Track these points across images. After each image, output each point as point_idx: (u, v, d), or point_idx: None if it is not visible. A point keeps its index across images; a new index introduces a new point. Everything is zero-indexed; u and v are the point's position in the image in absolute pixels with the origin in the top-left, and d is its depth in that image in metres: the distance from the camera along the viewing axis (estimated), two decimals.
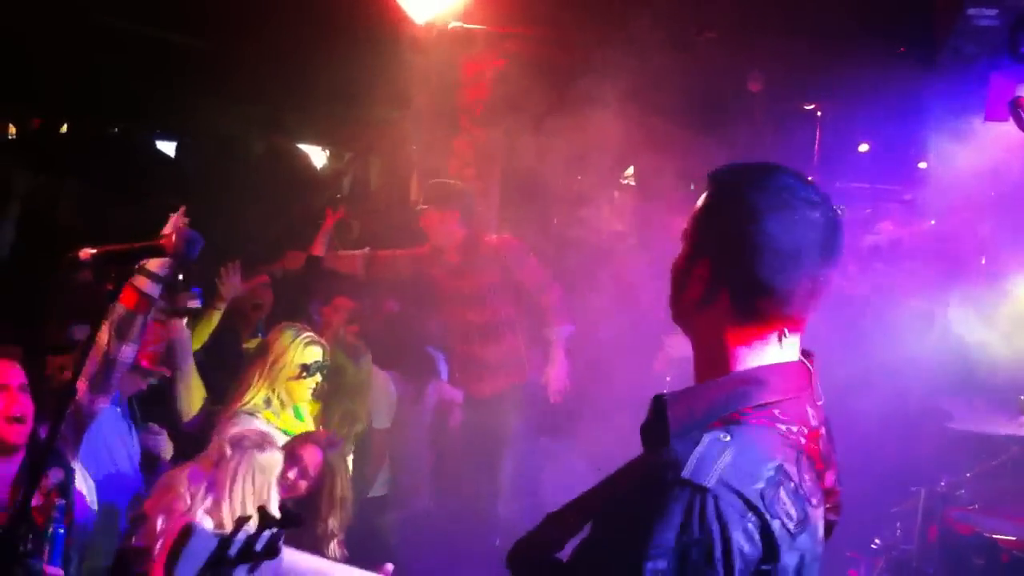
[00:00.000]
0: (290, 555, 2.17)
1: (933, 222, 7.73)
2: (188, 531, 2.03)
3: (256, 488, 3.42)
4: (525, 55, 6.26)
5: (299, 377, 4.50)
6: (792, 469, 1.63)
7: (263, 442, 3.56)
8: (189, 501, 3.35)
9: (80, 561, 3.33)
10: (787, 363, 1.75)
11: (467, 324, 5.89)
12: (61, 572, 2.95)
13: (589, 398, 5.74)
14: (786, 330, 1.76)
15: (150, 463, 4.28)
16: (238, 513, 3.28)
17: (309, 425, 4.66)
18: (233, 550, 2.00)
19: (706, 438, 1.60)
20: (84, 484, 3.53)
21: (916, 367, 5.45)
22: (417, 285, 5.93)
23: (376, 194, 10.03)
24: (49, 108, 11.07)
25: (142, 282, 3.17)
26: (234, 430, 3.87)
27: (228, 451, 3.45)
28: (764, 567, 1.56)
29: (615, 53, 6.04)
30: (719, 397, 1.70)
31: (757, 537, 1.55)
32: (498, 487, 5.93)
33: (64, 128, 11.24)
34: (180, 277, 4.83)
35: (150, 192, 8.20)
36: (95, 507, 3.58)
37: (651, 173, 7.85)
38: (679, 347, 5.19)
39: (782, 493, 1.59)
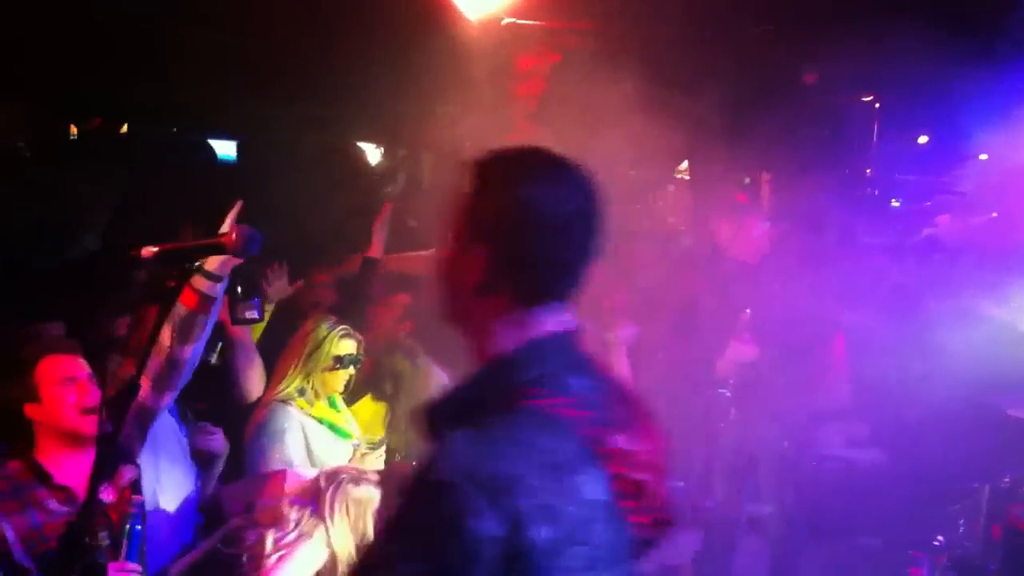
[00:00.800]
0: None
1: (995, 214, 7.59)
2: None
3: (352, 520, 3.46)
4: (579, 50, 6.25)
5: (333, 369, 4.57)
6: (543, 444, 1.66)
7: (359, 477, 3.60)
8: (293, 523, 3.41)
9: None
10: (553, 340, 1.79)
11: None
12: (139, 568, 2.99)
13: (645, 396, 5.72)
14: (559, 304, 1.81)
15: (207, 462, 4.33)
16: (337, 544, 3.34)
17: (346, 415, 4.71)
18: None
19: (451, 436, 1.65)
20: (147, 482, 3.59)
21: (976, 362, 5.37)
22: None
23: (429, 190, 10.06)
24: (109, 109, 11.27)
25: (201, 283, 3.21)
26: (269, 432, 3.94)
27: (323, 483, 3.50)
28: (514, 547, 1.59)
29: (669, 46, 6.01)
30: (478, 387, 1.77)
31: (499, 520, 1.57)
32: None
33: (124, 129, 11.43)
34: (239, 289, 4.91)
35: (207, 192, 8.31)
36: (158, 504, 3.64)
37: (705, 168, 7.79)
38: (744, 351, 5.14)
39: (526, 471, 1.62)
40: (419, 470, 1.66)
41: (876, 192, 9.92)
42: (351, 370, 4.62)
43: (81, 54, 8.54)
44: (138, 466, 3.38)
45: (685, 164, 9.11)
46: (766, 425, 5.20)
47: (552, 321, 1.80)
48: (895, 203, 9.99)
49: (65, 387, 3.28)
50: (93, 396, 3.28)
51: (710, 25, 6.05)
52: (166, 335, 3.24)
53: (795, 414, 5.20)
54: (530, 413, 1.70)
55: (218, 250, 2.26)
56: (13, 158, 10.65)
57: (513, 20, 6.23)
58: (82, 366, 3.35)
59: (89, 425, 3.25)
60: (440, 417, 1.77)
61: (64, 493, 3.25)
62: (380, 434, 5.07)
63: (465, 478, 1.58)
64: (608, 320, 5.64)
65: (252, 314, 4.83)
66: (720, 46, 6.20)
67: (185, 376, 3.48)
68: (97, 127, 11.91)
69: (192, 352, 3.41)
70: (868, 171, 9.73)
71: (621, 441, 1.80)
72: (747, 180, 7.62)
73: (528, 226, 1.76)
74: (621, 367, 5.42)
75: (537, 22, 6.24)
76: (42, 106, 11.42)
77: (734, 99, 6.60)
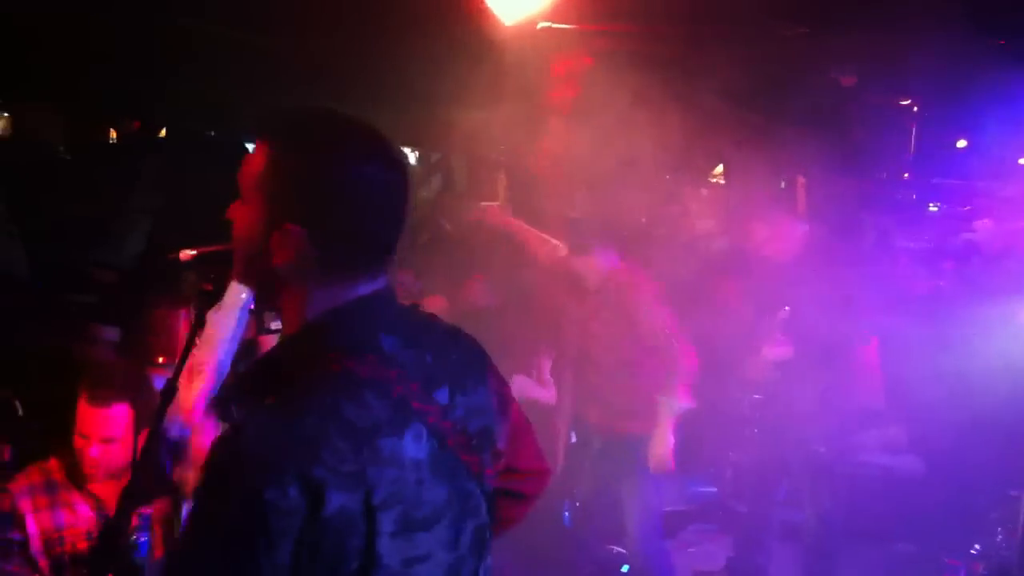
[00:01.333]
0: None
1: None
2: None
3: None
4: (614, 53, 6.24)
5: None
6: (350, 408, 1.58)
7: None
8: None
9: None
10: (361, 301, 1.71)
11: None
12: None
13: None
14: (370, 273, 1.72)
15: None
16: None
17: None
18: None
19: (254, 407, 1.60)
20: None
21: (1014, 367, 5.31)
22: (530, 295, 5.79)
23: (464, 194, 10.09)
24: (147, 112, 11.39)
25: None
26: None
27: None
28: (315, 516, 1.52)
29: (705, 49, 5.99)
30: (283, 358, 1.69)
31: (296, 491, 1.50)
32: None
33: (162, 132, 11.55)
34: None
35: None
36: None
37: (740, 170, 7.77)
38: (777, 353, 5.11)
39: (329, 436, 1.54)
40: (213, 448, 1.59)
41: (914, 196, 9.85)
42: None
43: (119, 56, 8.65)
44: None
45: (720, 168, 9.09)
46: (799, 429, 5.16)
47: (363, 287, 1.73)
48: (933, 207, 9.91)
49: None
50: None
51: (746, 28, 6.03)
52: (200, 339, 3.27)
53: (829, 418, 5.16)
54: (336, 378, 1.62)
55: None
56: (53, 161, 10.81)
57: (548, 24, 6.23)
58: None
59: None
60: (237, 393, 1.72)
61: (94, 500, 3.29)
62: None
63: (259, 450, 1.54)
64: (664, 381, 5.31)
65: (277, 324, 4.88)
66: (756, 49, 6.17)
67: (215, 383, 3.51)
68: (136, 130, 12.06)
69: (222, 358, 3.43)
70: (906, 175, 9.66)
71: (445, 395, 1.73)
72: (782, 183, 7.57)
73: (336, 196, 1.68)
74: (667, 443, 5.11)
75: (572, 25, 6.24)
76: (81, 109, 11.59)
77: (770, 102, 6.57)
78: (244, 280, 1.79)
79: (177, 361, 2.20)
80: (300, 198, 1.67)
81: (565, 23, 6.15)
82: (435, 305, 5.63)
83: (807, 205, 8.25)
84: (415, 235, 7.85)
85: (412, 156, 11.91)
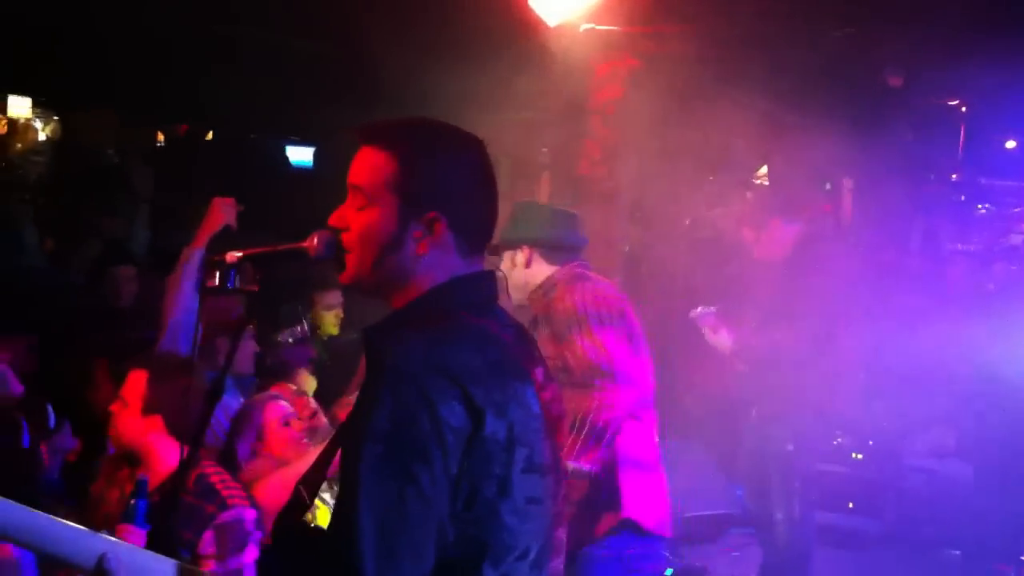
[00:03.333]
0: None
1: None
2: None
3: None
4: (658, 54, 6.23)
5: None
6: (489, 350, 1.76)
7: None
8: None
9: None
10: (472, 273, 1.89)
11: None
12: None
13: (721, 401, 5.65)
14: (477, 251, 1.90)
15: None
16: None
17: None
18: None
19: (406, 334, 1.73)
20: None
21: None
22: None
23: (508, 195, 10.11)
24: (194, 117, 11.54)
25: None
26: None
27: None
28: (475, 436, 1.66)
29: (750, 50, 5.96)
30: (415, 314, 1.83)
31: (462, 410, 1.65)
32: None
33: (209, 136, 11.70)
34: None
35: (287, 198, 8.47)
36: None
37: (785, 172, 7.72)
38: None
39: (482, 368, 1.71)
40: (372, 367, 1.73)
41: (962, 198, 9.73)
42: None
43: (168, 62, 8.77)
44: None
45: (764, 169, 9.04)
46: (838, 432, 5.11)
47: (475, 265, 1.91)
48: (982, 208, 9.78)
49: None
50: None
51: (792, 28, 5.99)
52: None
53: (870, 422, 5.11)
54: (469, 326, 1.79)
55: (300, 255, 2.30)
56: (104, 164, 10.97)
57: (592, 26, 6.23)
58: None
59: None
60: (382, 332, 1.82)
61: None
62: None
63: (430, 365, 1.66)
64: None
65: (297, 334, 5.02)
66: (803, 49, 6.13)
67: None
68: (183, 134, 12.22)
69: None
70: (954, 176, 9.54)
71: (538, 375, 1.89)
72: (828, 185, 7.52)
73: (464, 188, 1.88)
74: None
75: (615, 27, 6.23)
76: (131, 113, 11.77)
77: (816, 103, 6.52)
78: (370, 274, 1.89)
79: (225, 355, 2.26)
80: (437, 190, 1.85)
81: (609, 25, 6.14)
82: None
83: (854, 208, 8.19)
84: None
85: None
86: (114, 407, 3.30)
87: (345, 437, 1.78)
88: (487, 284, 1.93)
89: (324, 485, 1.99)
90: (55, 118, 12.78)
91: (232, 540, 3.13)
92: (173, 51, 8.56)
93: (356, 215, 1.89)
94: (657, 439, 3.96)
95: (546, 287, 3.95)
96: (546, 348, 3.46)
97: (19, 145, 12.48)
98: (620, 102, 6.25)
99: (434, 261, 1.85)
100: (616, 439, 3.69)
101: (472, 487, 1.67)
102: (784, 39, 5.76)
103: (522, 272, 4.01)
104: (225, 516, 3.12)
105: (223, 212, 3.77)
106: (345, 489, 1.66)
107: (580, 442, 3.59)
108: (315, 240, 2.28)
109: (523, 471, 1.73)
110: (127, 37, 8.19)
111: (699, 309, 5.04)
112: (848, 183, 8.08)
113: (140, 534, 2.91)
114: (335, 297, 5.73)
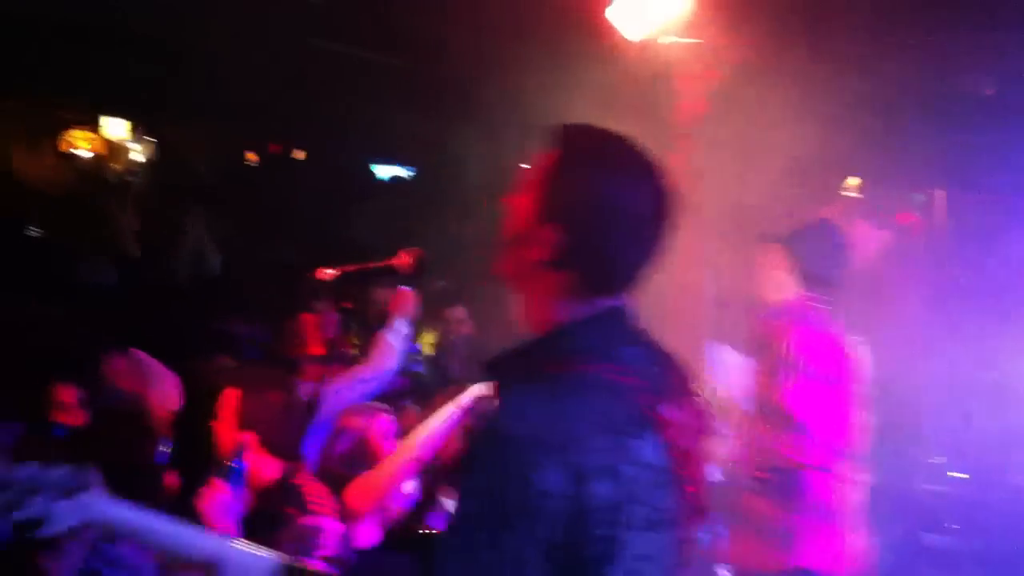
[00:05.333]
0: (102, 501, 2.06)
1: None
2: None
3: None
4: (741, 66, 6.19)
5: None
6: (601, 406, 1.67)
7: None
8: None
9: None
10: (605, 311, 1.79)
11: None
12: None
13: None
14: (611, 289, 1.81)
15: None
16: None
17: None
18: (19, 477, 1.98)
19: (513, 390, 1.69)
20: None
21: None
22: None
23: None
24: (285, 135, 11.77)
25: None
26: None
27: None
28: (576, 503, 1.60)
29: (837, 58, 5.88)
30: (538, 352, 1.78)
31: (560, 476, 1.59)
32: None
33: (301, 155, 11.91)
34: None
35: (379, 213, 8.59)
36: None
37: (876, 183, 7.59)
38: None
39: (588, 429, 1.64)
40: (483, 421, 1.70)
41: None
42: None
43: (258, 82, 8.97)
44: None
45: (854, 180, 8.89)
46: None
47: (607, 301, 1.82)
48: None
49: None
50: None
51: (880, 36, 5.89)
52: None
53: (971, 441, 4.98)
54: (586, 377, 1.72)
55: (392, 272, 2.35)
56: (196, 183, 11.25)
57: (674, 39, 6.21)
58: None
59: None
60: (499, 372, 1.80)
61: None
62: None
63: (529, 431, 1.61)
64: None
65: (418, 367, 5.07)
66: (891, 59, 6.03)
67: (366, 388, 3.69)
68: (273, 153, 12.47)
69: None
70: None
71: (671, 411, 1.80)
72: (920, 196, 7.37)
73: (606, 219, 1.77)
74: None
75: (699, 40, 6.20)
76: (221, 133, 12.05)
77: (905, 112, 6.41)
78: (501, 264, 1.88)
79: (322, 370, 2.31)
80: (570, 206, 1.78)
81: (691, 38, 6.11)
82: None
83: (948, 220, 8.01)
84: None
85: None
86: (214, 423, 3.39)
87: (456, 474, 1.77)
88: (614, 324, 1.82)
89: None
90: (151, 139, 13.15)
91: (299, 542, 3.19)
92: (266, 71, 8.75)
93: (513, 198, 1.87)
94: (850, 491, 3.93)
95: (777, 312, 4.04)
96: (759, 376, 3.93)
97: (116, 166, 12.86)
98: (704, 115, 6.22)
99: (554, 284, 1.79)
100: (800, 486, 3.78)
101: (572, 551, 1.62)
102: (871, 49, 5.67)
103: (771, 276, 4.11)
104: (304, 520, 3.18)
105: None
106: (443, 539, 1.65)
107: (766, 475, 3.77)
108: (405, 257, 2.33)
109: (634, 529, 1.67)
110: (221, 59, 8.40)
111: None
112: (941, 195, 7.91)
113: (228, 491, 2.98)
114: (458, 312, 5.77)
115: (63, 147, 12.36)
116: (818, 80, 5.84)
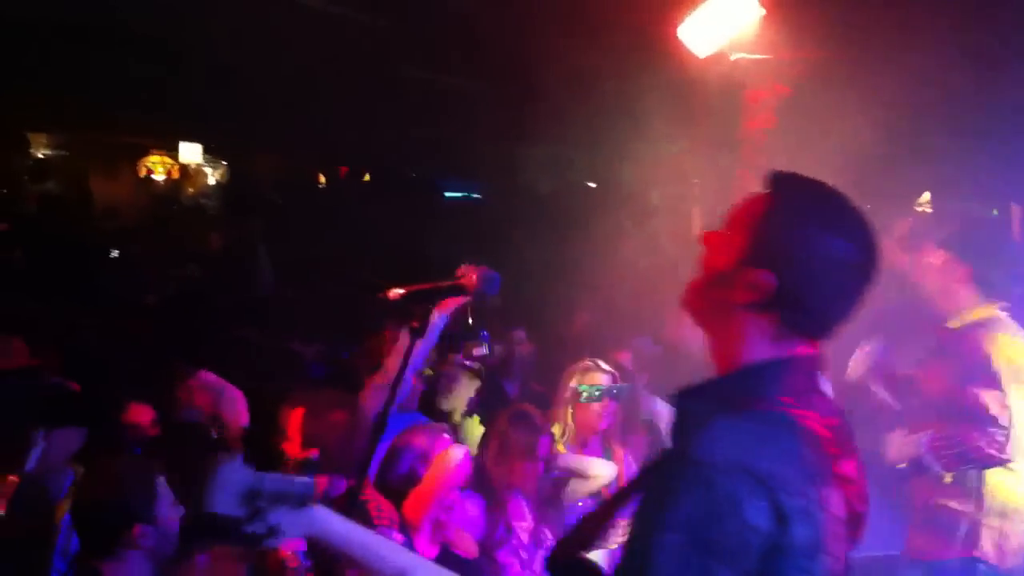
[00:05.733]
0: (325, 514, 2.19)
1: None
2: (217, 459, 2.10)
3: None
4: (810, 81, 6.13)
5: (576, 399, 4.54)
6: (802, 450, 1.66)
7: None
8: None
9: None
10: (802, 356, 1.79)
11: None
12: None
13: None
14: (811, 337, 1.81)
15: None
16: None
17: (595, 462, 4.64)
18: (268, 486, 2.07)
19: (717, 422, 1.65)
20: None
21: None
22: None
23: (658, 229, 10.08)
24: (353, 157, 11.93)
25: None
26: None
27: None
28: (776, 541, 1.59)
29: (906, 71, 5.80)
30: (731, 390, 1.76)
31: (768, 512, 1.58)
32: None
33: (367, 176, 12.06)
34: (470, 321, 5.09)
35: (448, 233, 8.65)
36: None
37: (949, 198, 7.46)
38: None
39: (791, 471, 1.62)
40: (679, 448, 1.68)
41: None
42: (604, 402, 4.55)
43: (328, 106, 9.11)
44: None
45: (926, 196, 8.75)
46: None
47: (803, 347, 1.81)
48: None
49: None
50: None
51: (951, 47, 5.79)
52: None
53: None
54: (785, 419, 1.70)
55: (460, 291, 2.37)
56: (270, 206, 11.45)
57: (742, 55, 6.18)
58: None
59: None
60: (695, 402, 1.78)
61: None
62: None
63: (738, 465, 1.60)
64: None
65: (481, 350, 5.04)
66: (964, 69, 5.91)
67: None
68: (343, 175, 12.64)
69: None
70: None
71: (849, 469, 1.79)
72: (995, 211, 7.21)
73: (821, 268, 1.77)
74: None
75: (766, 55, 6.16)
76: (293, 156, 12.26)
77: (979, 125, 6.28)
78: (696, 297, 1.87)
79: (389, 389, 2.33)
80: (785, 254, 1.77)
81: (758, 53, 6.08)
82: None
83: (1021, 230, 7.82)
84: None
85: (601, 192, 11.97)
86: (282, 444, 3.44)
87: (635, 515, 1.73)
88: (813, 371, 1.82)
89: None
90: (223, 163, 13.43)
91: None
92: (334, 94, 8.89)
93: (714, 237, 1.87)
94: None
95: (963, 316, 4.13)
96: (943, 381, 4.08)
97: (191, 189, 13.15)
98: (773, 130, 6.17)
99: (755, 325, 1.79)
100: (987, 482, 4.01)
101: None
102: (938, 63, 5.57)
103: (937, 278, 4.20)
104: None
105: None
106: (636, 570, 1.64)
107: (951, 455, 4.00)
108: (473, 276, 2.35)
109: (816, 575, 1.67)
110: (289, 85, 8.55)
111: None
112: (1018, 210, 7.73)
113: None
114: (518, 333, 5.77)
115: (141, 172, 12.70)
116: (885, 94, 5.75)
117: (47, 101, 8.71)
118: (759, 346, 1.79)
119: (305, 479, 2.13)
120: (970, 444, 3.98)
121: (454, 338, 5.12)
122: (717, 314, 1.83)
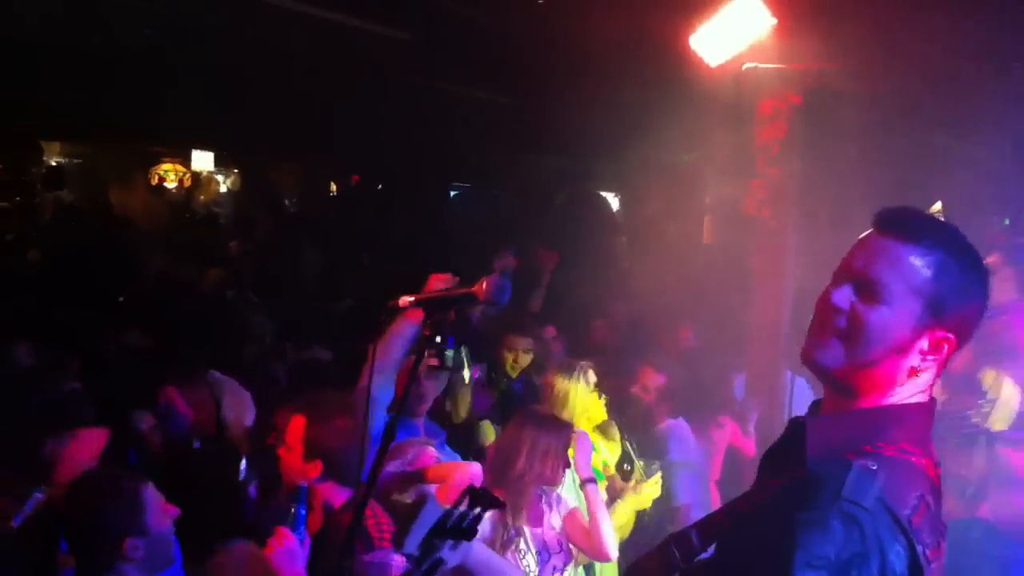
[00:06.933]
0: (479, 547, 2.27)
1: None
2: (424, 500, 2.17)
3: None
4: (822, 91, 6.12)
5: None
6: (930, 499, 1.69)
7: None
8: None
9: None
10: (925, 403, 1.80)
11: None
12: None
13: None
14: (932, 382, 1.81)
15: None
16: None
17: (601, 457, 4.70)
18: (450, 522, 2.13)
19: (856, 464, 1.65)
20: None
21: None
22: None
23: (671, 238, 10.08)
24: (365, 166, 11.95)
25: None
26: None
27: None
28: None
29: (920, 83, 5.79)
30: (856, 429, 1.75)
31: (905, 559, 1.61)
32: None
33: (379, 185, 12.08)
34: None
35: (460, 240, 8.66)
36: None
37: (961, 209, 7.42)
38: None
39: (924, 520, 1.65)
40: (803, 485, 1.67)
41: None
42: (599, 396, 4.62)
43: (341, 114, 9.13)
44: None
45: (938, 205, 8.73)
46: None
47: (924, 394, 1.82)
48: None
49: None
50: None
51: (964, 60, 5.77)
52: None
53: None
54: (914, 466, 1.72)
55: (471, 299, 2.36)
56: (284, 213, 11.47)
57: (754, 64, 6.17)
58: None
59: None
60: (819, 438, 1.77)
61: None
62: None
63: (887, 510, 1.61)
64: None
65: (434, 361, 5.05)
66: (979, 83, 5.89)
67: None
68: (355, 184, 12.66)
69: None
70: None
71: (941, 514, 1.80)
72: (1006, 221, 7.19)
73: (979, 316, 1.80)
74: None
75: (779, 65, 6.16)
76: (306, 165, 12.29)
77: (995, 136, 6.26)
78: (857, 370, 1.79)
79: (398, 396, 2.32)
80: (960, 312, 1.77)
81: (771, 63, 6.07)
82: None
83: None
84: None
85: (615, 202, 11.97)
86: (280, 451, 3.38)
87: (747, 544, 1.75)
88: (931, 417, 1.82)
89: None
90: (235, 170, 13.46)
91: None
92: (346, 104, 8.91)
93: (867, 307, 1.77)
94: None
95: (996, 312, 4.43)
96: (963, 358, 4.18)
97: (202, 197, 13.18)
98: (785, 141, 6.16)
99: (921, 384, 1.79)
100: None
101: None
102: (951, 72, 5.56)
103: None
104: (369, 556, 3.16)
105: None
106: None
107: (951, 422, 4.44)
108: (484, 284, 2.34)
109: None
110: (303, 95, 8.57)
111: None
112: None
113: (295, 539, 3.00)
114: (528, 342, 5.76)
115: (153, 179, 12.74)
116: (898, 104, 5.74)
117: (60, 110, 8.76)
118: (895, 390, 1.78)
119: (473, 513, 2.17)
120: (964, 412, 4.44)
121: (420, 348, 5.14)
122: (876, 383, 1.79)
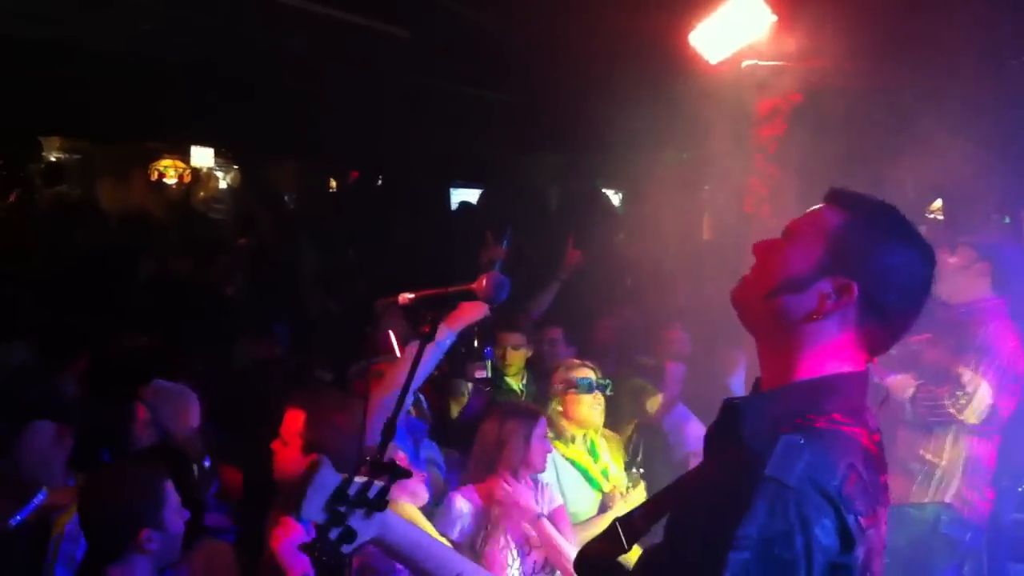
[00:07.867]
0: (394, 519, 2.24)
1: None
2: (317, 465, 2.11)
3: None
4: (823, 88, 6.12)
5: (568, 391, 4.58)
6: (861, 467, 1.68)
7: None
8: None
9: None
10: (856, 372, 1.81)
11: None
12: None
13: None
14: (871, 350, 1.83)
15: None
16: None
17: (602, 468, 4.67)
18: (352, 491, 2.10)
19: (782, 440, 1.66)
20: None
21: None
22: None
23: (668, 236, 10.08)
24: (364, 163, 11.95)
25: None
26: None
27: None
28: (840, 560, 1.62)
29: (919, 80, 5.79)
30: (789, 403, 1.77)
31: (834, 531, 1.62)
32: None
33: (379, 181, 12.07)
34: (476, 343, 5.10)
35: (455, 239, 8.65)
36: None
37: (961, 206, 7.43)
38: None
39: (855, 489, 1.65)
40: (732, 465, 1.70)
41: None
42: (597, 395, 4.59)
43: (339, 111, 9.13)
44: None
45: (937, 203, 8.73)
46: None
47: (861, 363, 1.83)
48: None
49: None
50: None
51: (963, 57, 5.78)
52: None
53: None
54: (844, 436, 1.72)
55: (470, 296, 2.35)
56: (282, 211, 11.47)
57: (753, 62, 6.17)
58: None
59: None
60: (753, 415, 1.78)
61: None
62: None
63: (806, 482, 1.62)
64: None
65: (481, 373, 5.07)
66: (976, 79, 5.89)
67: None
68: (354, 180, 12.66)
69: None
70: None
71: (886, 481, 1.81)
72: (1006, 219, 7.19)
73: (903, 279, 1.80)
74: None
75: (779, 63, 6.16)
76: (306, 162, 12.29)
77: (993, 133, 6.26)
78: (759, 301, 1.86)
79: (398, 398, 2.31)
80: (868, 266, 1.78)
81: (770, 60, 6.08)
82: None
83: None
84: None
85: (616, 199, 11.98)
86: (275, 446, 3.35)
87: (684, 526, 1.77)
88: (864, 387, 1.84)
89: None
90: (235, 167, 13.46)
91: (371, 573, 3.18)
92: (346, 101, 8.91)
93: (779, 243, 1.89)
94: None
95: (973, 309, 4.86)
96: (940, 352, 4.85)
97: (202, 193, 13.17)
98: (784, 138, 6.16)
99: (824, 336, 1.79)
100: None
101: None
102: (951, 69, 5.56)
103: (959, 274, 4.86)
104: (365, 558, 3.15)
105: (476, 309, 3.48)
106: None
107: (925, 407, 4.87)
108: (483, 281, 2.34)
109: None
110: (302, 89, 8.57)
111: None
112: None
113: (300, 530, 3.00)
114: (519, 338, 5.73)
115: (152, 176, 12.73)
116: (898, 102, 5.74)
117: (59, 106, 8.75)
118: (824, 360, 1.79)
119: (379, 483, 2.15)
120: (939, 402, 4.77)
121: (458, 358, 5.14)
122: (778, 324, 1.82)
